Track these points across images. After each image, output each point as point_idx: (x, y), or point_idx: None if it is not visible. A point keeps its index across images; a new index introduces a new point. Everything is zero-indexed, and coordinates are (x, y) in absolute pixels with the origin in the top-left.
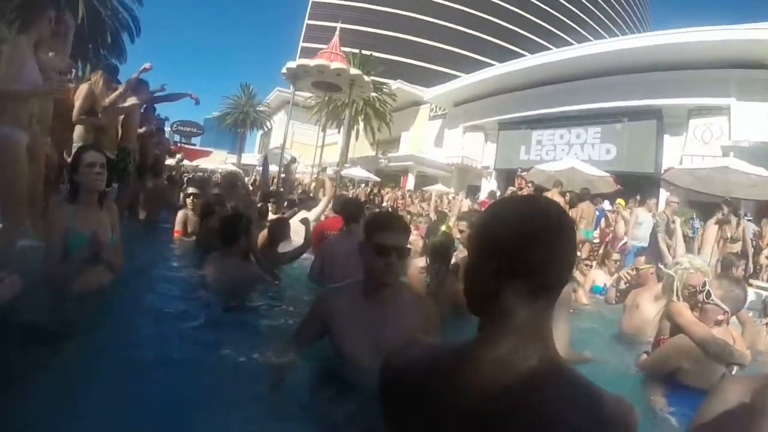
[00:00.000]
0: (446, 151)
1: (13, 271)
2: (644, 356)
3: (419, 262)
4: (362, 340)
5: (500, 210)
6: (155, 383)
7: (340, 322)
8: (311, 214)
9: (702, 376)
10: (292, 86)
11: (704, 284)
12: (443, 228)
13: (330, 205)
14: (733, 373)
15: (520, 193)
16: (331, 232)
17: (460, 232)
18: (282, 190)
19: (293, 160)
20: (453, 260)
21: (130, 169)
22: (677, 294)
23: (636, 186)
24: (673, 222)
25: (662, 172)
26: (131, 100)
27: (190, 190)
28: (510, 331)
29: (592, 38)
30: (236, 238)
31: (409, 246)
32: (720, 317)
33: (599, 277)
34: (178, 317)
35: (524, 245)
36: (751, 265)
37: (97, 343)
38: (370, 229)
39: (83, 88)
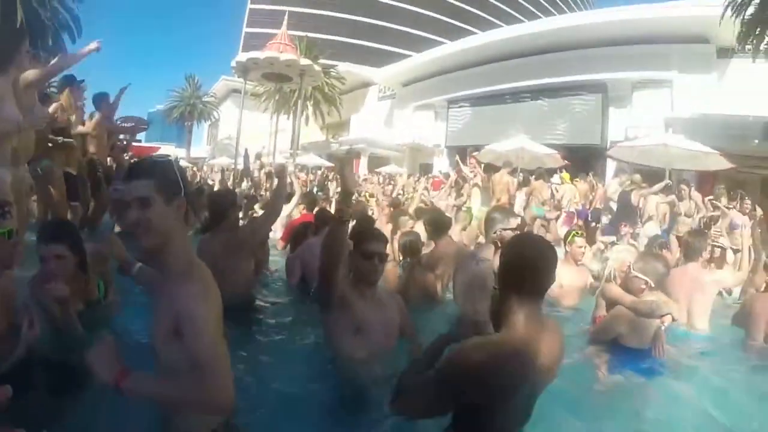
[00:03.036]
0: (397, 132)
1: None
2: (590, 328)
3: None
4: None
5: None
6: None
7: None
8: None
9: (639, 336)
10: (242, 78)
11: (629, 266)
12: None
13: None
14: (665, 325)
15: (471, 173)
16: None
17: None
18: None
19: (258, 155)
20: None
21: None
22: (612, 277)
23: (584, 159)
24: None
25: (608, 144)
26: (96, 117)
27: None
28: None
29: (541, 15)
30: (224, 216)
31: (387, 252)
32: (643, 286)
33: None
34: None
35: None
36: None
37: None
38: (357, 240)
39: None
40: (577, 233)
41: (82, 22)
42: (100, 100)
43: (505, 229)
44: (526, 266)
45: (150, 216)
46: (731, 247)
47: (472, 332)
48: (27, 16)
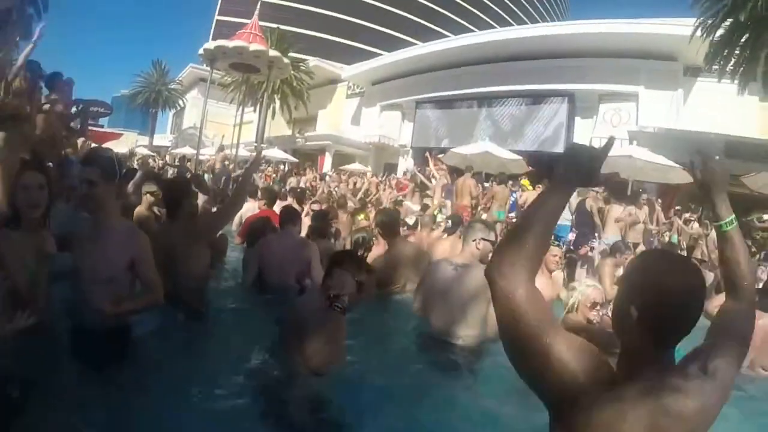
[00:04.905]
0: (363, 130)
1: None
2: None
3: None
4: None
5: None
6: None
7: None
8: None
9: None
10: (209, 67)
11: (593, 303)
12: (362, 217)
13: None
14: None
15: (435, 174)
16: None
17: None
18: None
19: (221, 147)
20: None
21: None
22: (575, 309)
23: (549, 167)
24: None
25: None
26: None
27: (147, 187)
28: None
29: (513, 22)
30: (178, 204)
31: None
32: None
33: None
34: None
35: None
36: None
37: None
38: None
39: None
40: (553, 242)
41: None
42: (53, 80)
43: (485, 239)
44: (670, 304)
45: (94, 192)
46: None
47: None
48: None
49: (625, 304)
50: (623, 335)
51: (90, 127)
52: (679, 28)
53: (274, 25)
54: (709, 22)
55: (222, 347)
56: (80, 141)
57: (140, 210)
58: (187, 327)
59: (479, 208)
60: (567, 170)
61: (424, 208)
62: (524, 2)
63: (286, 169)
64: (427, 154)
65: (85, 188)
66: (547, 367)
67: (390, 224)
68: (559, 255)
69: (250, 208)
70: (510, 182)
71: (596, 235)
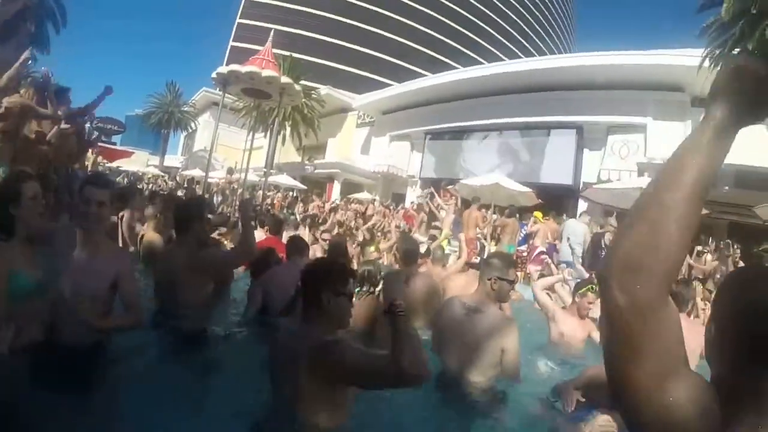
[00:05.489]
0: (373, 159)
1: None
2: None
3: None
4: None
5: None
6: None
7: None
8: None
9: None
10: (222, 91)
11: None
12: (372, 249)
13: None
14: None
15: (444, 205)
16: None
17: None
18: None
19: (230, 170)
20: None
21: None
22: None
23: (556, 198)
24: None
25: (581, 184)
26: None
27: (152, 210)
28: None
29: (520, 53)
30: (187, 228)
31: None
32: None
33: None
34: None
35: None
36: None
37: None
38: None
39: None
40: (592, 288)
41: (68, 12)
42: (62, 95)
43: (501, 279)
44: None
45: (101, 213)
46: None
47: None
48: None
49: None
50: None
51: (103, 144)
52: (686, 59)
53: (287, 53)
54: (717, 51)
55: (217, 374)
56: (91, 155)
57: (148, 232)
58: (180, 350)
59: (489, 240)
60: (728, 89)
61: (432, 239)
62: (533, 35)
63: (294, 195)
64: (432, 190)
65: (94, 208)
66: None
67: (413, 253)
68: (594, 302)
69: (255, 235)
70: (518, 215)
71: None
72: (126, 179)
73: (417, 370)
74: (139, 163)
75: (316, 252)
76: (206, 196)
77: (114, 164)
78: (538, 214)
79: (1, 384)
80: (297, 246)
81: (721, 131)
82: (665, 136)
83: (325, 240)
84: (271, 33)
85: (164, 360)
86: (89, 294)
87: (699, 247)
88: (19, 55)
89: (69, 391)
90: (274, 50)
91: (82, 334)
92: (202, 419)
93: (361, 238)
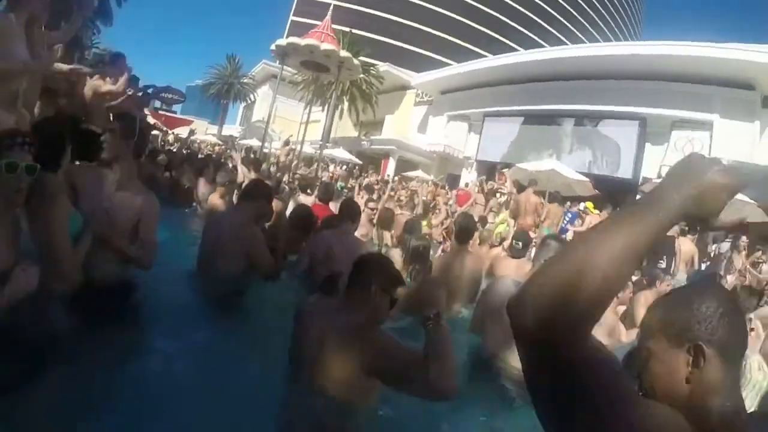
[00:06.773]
0: (429, 138)
1: (32, 263)
2: None
3: (396, 255)
4: None
5: None
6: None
7: None
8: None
9: None
10: (280, 64)
11: None
12: (424, 223)
13: None
14: None
15: (499, 188)
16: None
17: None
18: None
19: (287, 141)
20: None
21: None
22: None
23: (612, 191)
24: None
25: (641, 178)
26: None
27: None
28: None
29: (584, 38)
30: (254, 202)
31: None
32: None
33: None
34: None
35: None
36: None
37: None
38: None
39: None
40: None
41: None
42: (118, 59)
43: None
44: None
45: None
46: None
47: None
48: None
49: None
50: None
51: (164, 112)
52: (758, 55)
53: (347, 29)
54: None
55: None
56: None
57: (213, 197)
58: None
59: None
60: (671, 184)
61: (482, 221)
62: (597, 19)
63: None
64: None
65: (108, 138)
66: None
67: (469, 231)
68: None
69: (305, 201)
70: (568, 203)
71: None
72: (186, 149)
73: (447, 382)
74: (198, 131)
75: (363, 221)
76: (264, 165)
77: (174, 131)
78: (590, 204)
79: (42, 319)
80: (351, 210)
81: (674, 220)
82: (732, 136)
83: (372, 210)
84: (331, 7)
85: (198, 312)
86: (118, 231)
87: (758, 254)
88: (84, 30)
89: (103, 326)
90: (334, 26)
91: (112, 272)
92: (226, 365)
93: (412, 212)
